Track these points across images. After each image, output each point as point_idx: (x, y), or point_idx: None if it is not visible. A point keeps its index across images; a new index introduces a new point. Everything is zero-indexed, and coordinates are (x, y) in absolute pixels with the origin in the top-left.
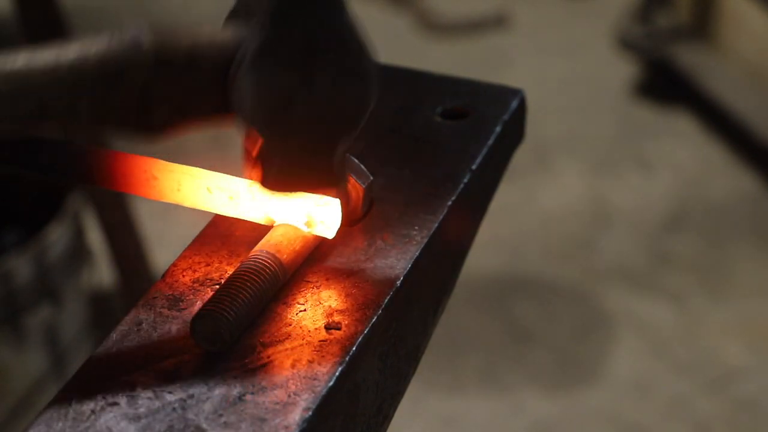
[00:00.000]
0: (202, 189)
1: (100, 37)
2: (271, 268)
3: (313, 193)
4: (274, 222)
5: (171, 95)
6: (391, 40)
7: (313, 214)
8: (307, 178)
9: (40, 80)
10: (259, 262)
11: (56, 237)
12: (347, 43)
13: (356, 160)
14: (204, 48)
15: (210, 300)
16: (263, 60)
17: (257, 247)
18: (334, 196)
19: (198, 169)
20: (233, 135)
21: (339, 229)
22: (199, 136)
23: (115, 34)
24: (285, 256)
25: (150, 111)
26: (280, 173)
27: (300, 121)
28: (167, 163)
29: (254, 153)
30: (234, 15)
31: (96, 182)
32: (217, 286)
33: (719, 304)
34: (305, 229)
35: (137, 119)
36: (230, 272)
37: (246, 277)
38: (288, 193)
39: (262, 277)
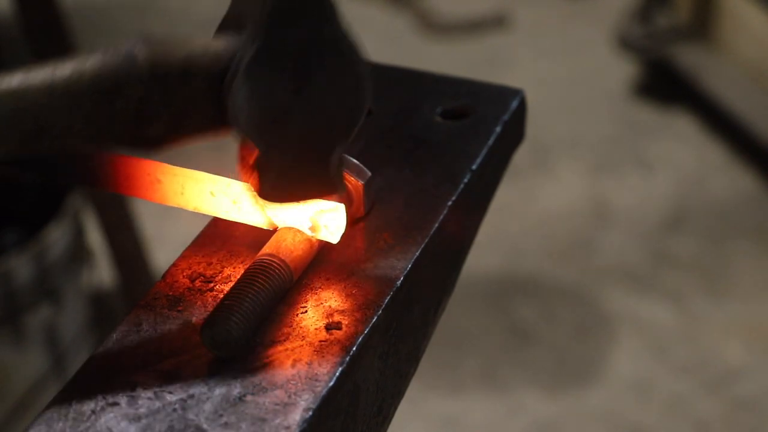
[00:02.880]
0: (206, 193)
1: (94, 54)
2: (283, 274)
3: (311, 200)
4: (277, 227)
5: (167, 108)
6: (391, 40)
7: (317, 219)
8: (305, 187)
9: (35, 99)
10: (272, 268)
11: (56, 237)
12: (340, 52)
13: (354, 159)
14: (198, 59)
15: (224, 305)
16: (257, 70)
17: (267, 251)
18: (335, 201)
19: (201, 173)
20: (233, 138)
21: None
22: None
23: (109, 49)
24: (293, 261)
25: (147, 125)
26: (277, 183)
27: (295, 130)
28: (171, 166)
29: (251, 161)
30: (225, 25)
31: (99, 185)
32: (216, 286)
33: (719, 304)
34: (309, 234)
35: (134, 134)
36: (230, 272)
37: (259, 283)
38: (286, 203)
39: (273, 283)
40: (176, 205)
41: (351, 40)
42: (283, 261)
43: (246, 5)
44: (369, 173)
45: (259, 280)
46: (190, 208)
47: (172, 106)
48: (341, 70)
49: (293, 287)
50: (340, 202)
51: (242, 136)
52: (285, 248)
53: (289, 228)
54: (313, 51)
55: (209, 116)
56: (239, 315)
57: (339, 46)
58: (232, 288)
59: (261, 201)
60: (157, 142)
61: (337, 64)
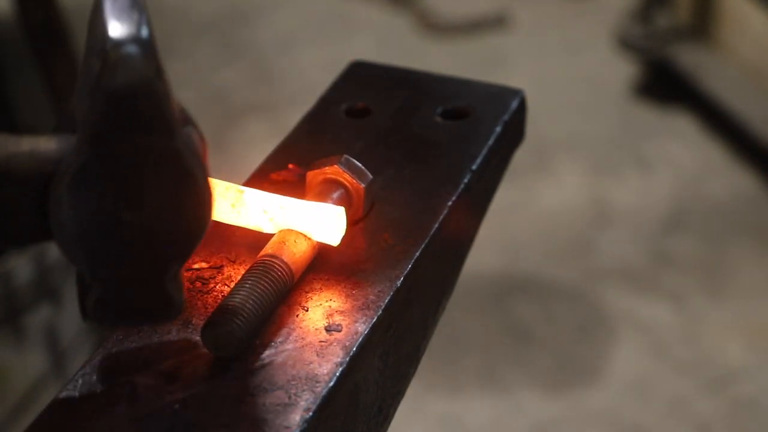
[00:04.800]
0: None
1: None
2: (284, 276)
3: (141, 325)
4: (275, 231)
5: None
6: (391, 40)
7: (317, 222)
8: (135, 308)
9: None
10: (273, 269)
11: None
12: (177, 167)
13: (356, 161)
14: (21, 163)
15: (225, 306)
16: (83, 182)
17: (268, 252)
18: (168, 322)
19: None
20: (233, 140)
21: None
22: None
23: None
24: (294, 262)
25: None
26: (103, 302)
27: (124, 247)
28: None
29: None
30: (63, 121)
31: None
32: (216, 287)
33: (719, 304)
34: (309, 236)
35: None
36: (230, 273)
37: (261, 284)
38: (113, 325)
39: (275, 285)
40: None
41: (191, 153)
42: (284, 262)
43: (80, 104)
44: (370, 176)
45: (261, 281)
46: None
47: None
48: (178, 186)
49: (293, 288)
50: (341, 205)
51: (65, 253)
52: (286, 250)
53: (290, 230)
54: (147, 164)
55: (29, 226)
56: (241, 316)
57: (176, 160)
58: (234, 289)
59: (260, 205)
60: None
61: (174, 179)
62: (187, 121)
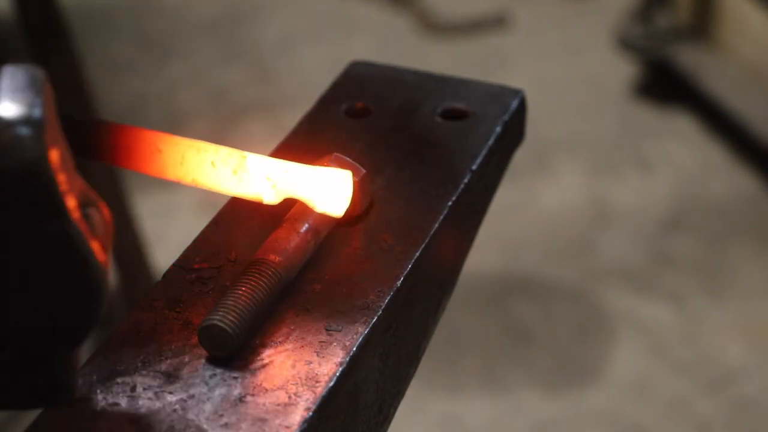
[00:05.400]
0: (206, 163)
1: None
2: (279, 274)
3: (31, 409)
4: (276, 201)
5: None
6: (391, 40)
7: (321, 188)
8: (25, 393)
9: None
10: (267, 267)
11: None
12: (66, 252)
13: (347, 158)
14: None
15: (220, 305)
16: None
17: (263, 250)
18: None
19: (203, 142)
20: (233, 140)
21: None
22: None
23: None
24: (289, 260)
25: None
26: None
27: (10, 329)
28: (172, 135)
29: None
30: None
31: (98, 156)
32: (216, 287)
33: (719, 304)
34: (312, 206)
35: None
36: (230, 272)
37: (255, 282)
38: (5, 410)
39: (269, 283)
40: (175, 178)
41: (83, 239)
42: (278, 261)
43: None
44: (363, 170)
45: (255, 279)
46: (189, 180)
47: None
48: (67, 272)
49: (293, 287)
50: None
51: None
52: (281, 248)
53: (286, 227)
54: (34, 248)
55: None
56: (235, 314)
57: (66, 246)
58: (229, 288)
59: (264, 171)
60: None
61: (63, 265)
62: (90, 201)
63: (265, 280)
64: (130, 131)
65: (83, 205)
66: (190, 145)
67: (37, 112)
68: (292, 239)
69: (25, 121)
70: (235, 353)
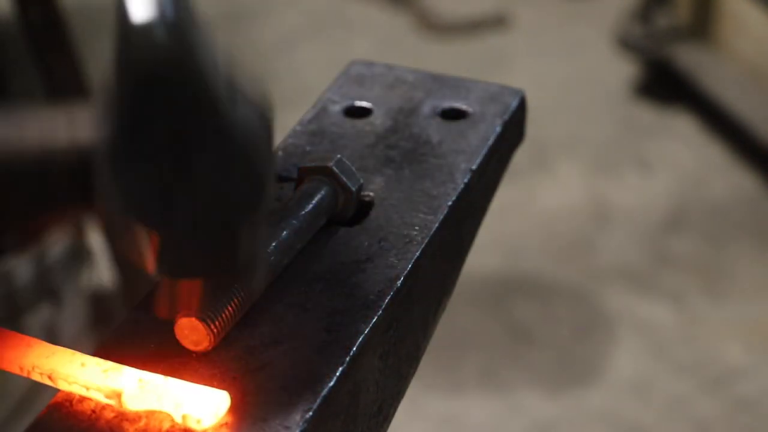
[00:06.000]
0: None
1: None
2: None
3: (214, 277)
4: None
5: (21, 204)
6: (391, 40)
7: (186, 407)
8: (205, 261)
9: None
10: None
11: (56, 238)
12: (226, 145)
13: (348, 163)
14: (58, 149)
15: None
16: (126, 159)
17: None
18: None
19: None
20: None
21: (331, 227)
22: None
23: None
24: (273, 253)
25: None
26: (172, 259)
27: (183, 213)
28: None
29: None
30: (99, 97)
31: None
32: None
33: (719, 304)
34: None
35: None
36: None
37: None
38: (187, 277)
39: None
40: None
41: (242, 132)
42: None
43: (115, 82)
44: (361, 180)
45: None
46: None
47: (26, 201)
48: (229, 165)
49: (293, 287)
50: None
51: (120, 218)
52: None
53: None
54: (192, 142)
55: (77, 200)
56: (208, 309)
57: (224, 139)
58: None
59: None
60: (16, 235)
61: (224, 158)
62: (244, 96)
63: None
64: None
65: (234, 96)
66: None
67: (170, 11)
68: (276, 235)
69: (161, 21)
70: (216, 346)
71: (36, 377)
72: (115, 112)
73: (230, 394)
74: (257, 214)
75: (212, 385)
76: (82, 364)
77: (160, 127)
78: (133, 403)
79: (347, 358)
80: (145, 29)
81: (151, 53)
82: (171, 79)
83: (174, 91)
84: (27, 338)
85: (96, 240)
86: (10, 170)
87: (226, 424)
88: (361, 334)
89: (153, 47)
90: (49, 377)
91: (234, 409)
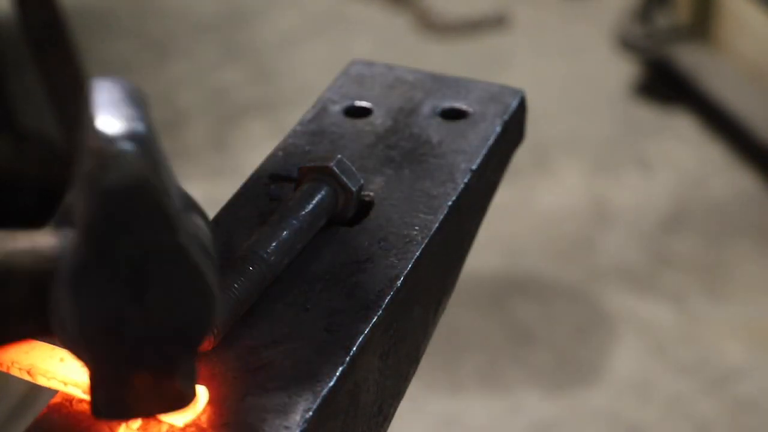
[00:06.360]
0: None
1: None
2: (256, 266)
3: (153, 416)
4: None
5: None
6: (391, 40)
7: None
8: (146, 401)
9: None
10: (245, 261)
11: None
12: (181, 263)
13: (348, 163)
14: (20, 259)
15: None
16: (84, 276)
17: (244, 245)
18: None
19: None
20: (233, 140)
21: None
22: (200, 140)
23: None
24: (273, 254)
25: None
26: (113, 399)
27: (130, 342)
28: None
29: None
30: (62, 214)
31: None
32: None
33: (719, 304)
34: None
35: None
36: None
37: (231, 278)
38: (126, 419)
39: (246, 277)
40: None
41: (196, 247)
42: (259, 255)
43: (77, 200)
44: (361, 181)
45: (234, 275)
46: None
47: None
48: (182, 282)
49: (293, 287)
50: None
51: (69, 349)
52: (263, 241)
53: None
54: (149, 262)
55: (31, 322)
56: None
57: (180, 257)
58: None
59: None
60: None
61: (178, 275)
62: (192, 207)
63: (246, 277)
64: None
65: (186, 210)
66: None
67: (139, 127)
68: (275, 234)
69: (129, 136)
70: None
71: (15, 372)
72: (80, 229)
73: (230, 393)
74: (201, 341)
75: (212, 385)
76: (61, 359)
77: (123, 245)
78: None
79: (347, 358)
80: (115, 144)
81: (122, 169)
82: (141, 195)
83: (141, 207)
84: None
85: None
86: None
87: (226, 424)
88: (361, 334)
89: (124, 163)
90: (28, 372)
91: (228, 406)
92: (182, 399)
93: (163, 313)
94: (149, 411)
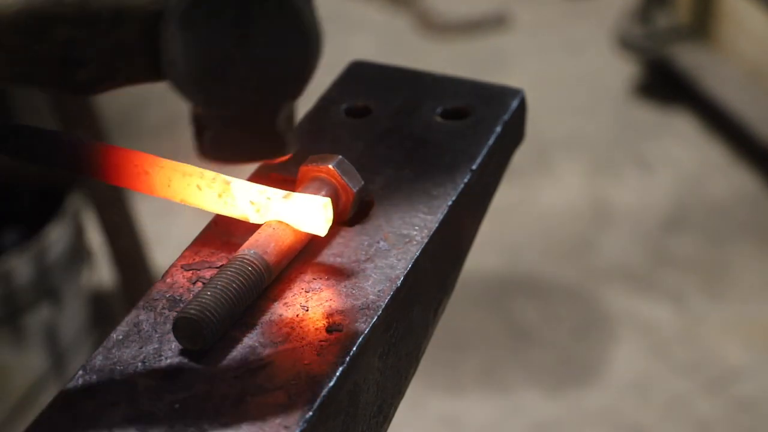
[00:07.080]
0: (192, 186)
1: None
2: (254, 266)
3: (255, 161)
4: (264, 221)
5: (96, 52)
6: (391, 40)
7: (303, 213)
8: (249, 145)
9: None
10: (243, 261)
11: (56, 237)
12: (283, 3)
13: (349, 164)
14: (132, 1)
15: (189, 301)
16: (193, 18)
17: (243, 246)
18: (278, 159)
19: (189, 166)
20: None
21: (331, 226)
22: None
23: None
24: (271, 254)
25: (73, 69)
26: (218, 140)
27: (236, 84)
28: (159, 159)
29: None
30: None
31: (89, 173)
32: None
33: (719, 304)
34: (297, 227)
35: (60, 78)
36: None
37: (226, 276)
38: (229, 162)
39: (244, 276)
40: (164, 197)
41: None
42: (257, 255)
43: None
44: (362, 182)
45: (229, 275)
46: (177, 199)
47: (101, 51)
48: (285, 23)
49: (293, 287)
50: (328, 196)
51: (178, 89)
52: (262, 242)
53: (275, 221)
54: (255, 2)
55: (142, 64)
56: (199, 306)
57: (284, 3)
58: (204, 285)
59: (247, 196)
60: (85, 88)
61: (281, 15)
62: None
63: (242, 276)
64: (118, 152)
65: None
66: (175, 169)
67: None
68: (279, 233)
69: None
70: (213, 345)
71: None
72: None
73: (230, 393)
74: (303, 87)
75: (213, 385)
76: (198, 187)
77: None
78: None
79: (347, 358)
80: None
81: None
82: None
83: None
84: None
85: (96, 240)
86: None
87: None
88: (361, 334)
89: None
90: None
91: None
92: (282, 146)
93: (267, 56)
94: (251, 155)
